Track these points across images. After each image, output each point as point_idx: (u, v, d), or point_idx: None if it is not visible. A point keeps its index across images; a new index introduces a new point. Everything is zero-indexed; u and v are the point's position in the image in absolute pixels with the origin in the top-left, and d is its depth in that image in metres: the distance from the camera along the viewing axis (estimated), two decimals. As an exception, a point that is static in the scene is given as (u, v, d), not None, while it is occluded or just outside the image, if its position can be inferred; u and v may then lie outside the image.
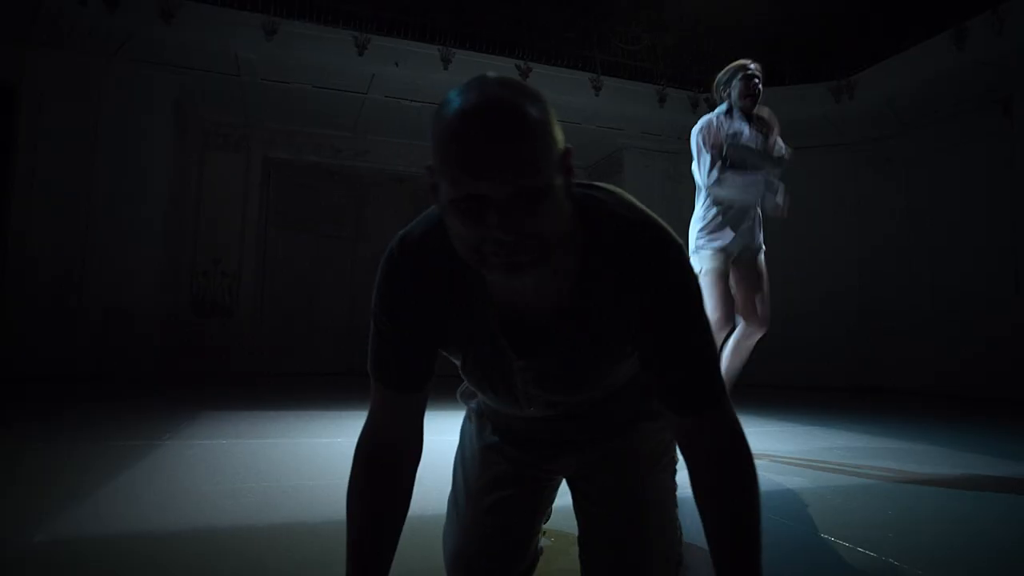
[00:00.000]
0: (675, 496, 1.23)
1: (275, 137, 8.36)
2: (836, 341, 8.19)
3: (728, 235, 2.83)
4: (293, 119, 8.15)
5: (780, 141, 3.01)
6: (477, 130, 0.73)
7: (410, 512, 0.99)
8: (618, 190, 0.95)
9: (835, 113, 8.01)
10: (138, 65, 6.69)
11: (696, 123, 2.97)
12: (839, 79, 7.89)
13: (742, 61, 3.00)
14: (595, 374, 1.00)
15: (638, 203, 0.94)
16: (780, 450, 3.02)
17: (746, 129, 2.89)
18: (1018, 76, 6.47)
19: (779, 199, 2.91)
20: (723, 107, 2.98)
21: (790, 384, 7.90)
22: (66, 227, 6.40)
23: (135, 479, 2.23)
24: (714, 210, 2.87)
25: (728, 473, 0.88)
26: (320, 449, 2.92)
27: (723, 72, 3.01)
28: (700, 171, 2.87)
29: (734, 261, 2.88)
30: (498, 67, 7.23)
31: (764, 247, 3.01)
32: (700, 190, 2.94)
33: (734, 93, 2.95)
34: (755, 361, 3.69)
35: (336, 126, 8.40)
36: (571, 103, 7.72)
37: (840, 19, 8.32)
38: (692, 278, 0.91)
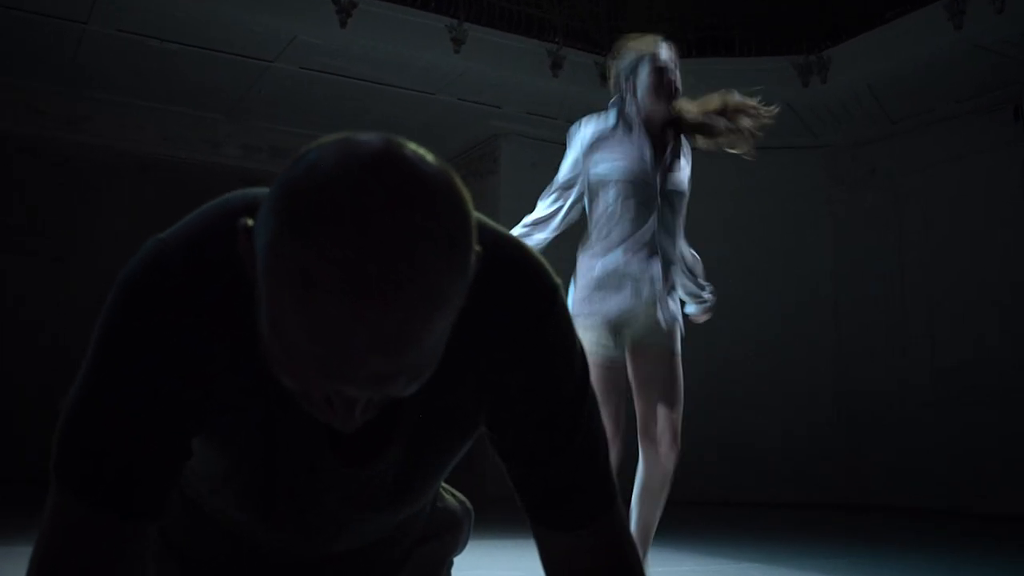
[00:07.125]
0: None
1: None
2: (803, 433, 8.76)
3: (620, 300, 2.83)
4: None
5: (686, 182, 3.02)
6: (353, 336, 0.68)
7: None
8: None
9: (802, 100, 8.68)
10: None
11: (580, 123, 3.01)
12: (807, 53, 8.61)
13: (651, 40, 3.00)
14: (433, 480, 1.09)
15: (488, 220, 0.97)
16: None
17: (646, 153, 2.89)
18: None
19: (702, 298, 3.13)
20: (612, 116, 2.98)
21: (729, 500, 8.31)
22: None
23: None
24: (607, 259, 2.86)
25: None
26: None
27: (622, 58, 3.02)
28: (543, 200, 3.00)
29: (634, 347, 2.89)
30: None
31: (682, 329, 2.99)
32: (597, 221, 2.94)
33: (640, 91, 2.93)
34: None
35: (38, 75, 8.20)
36: (419, 62, 7.91)
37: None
38: (576, 337, 1.02)
